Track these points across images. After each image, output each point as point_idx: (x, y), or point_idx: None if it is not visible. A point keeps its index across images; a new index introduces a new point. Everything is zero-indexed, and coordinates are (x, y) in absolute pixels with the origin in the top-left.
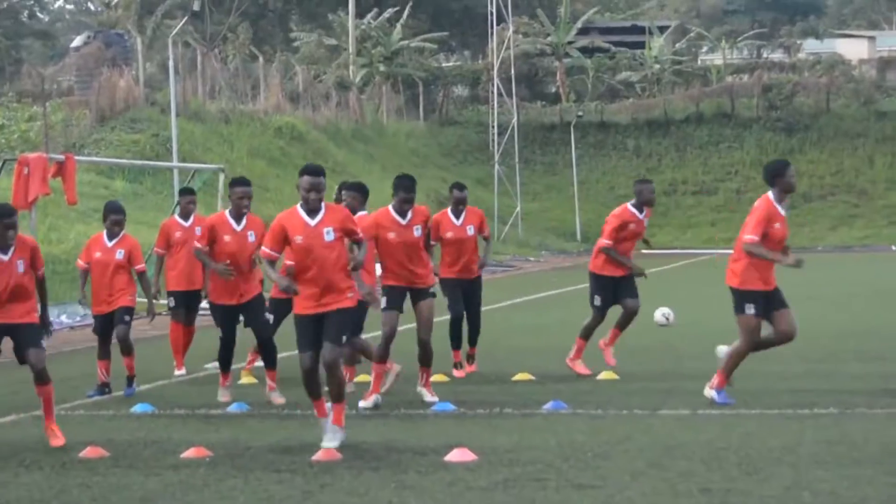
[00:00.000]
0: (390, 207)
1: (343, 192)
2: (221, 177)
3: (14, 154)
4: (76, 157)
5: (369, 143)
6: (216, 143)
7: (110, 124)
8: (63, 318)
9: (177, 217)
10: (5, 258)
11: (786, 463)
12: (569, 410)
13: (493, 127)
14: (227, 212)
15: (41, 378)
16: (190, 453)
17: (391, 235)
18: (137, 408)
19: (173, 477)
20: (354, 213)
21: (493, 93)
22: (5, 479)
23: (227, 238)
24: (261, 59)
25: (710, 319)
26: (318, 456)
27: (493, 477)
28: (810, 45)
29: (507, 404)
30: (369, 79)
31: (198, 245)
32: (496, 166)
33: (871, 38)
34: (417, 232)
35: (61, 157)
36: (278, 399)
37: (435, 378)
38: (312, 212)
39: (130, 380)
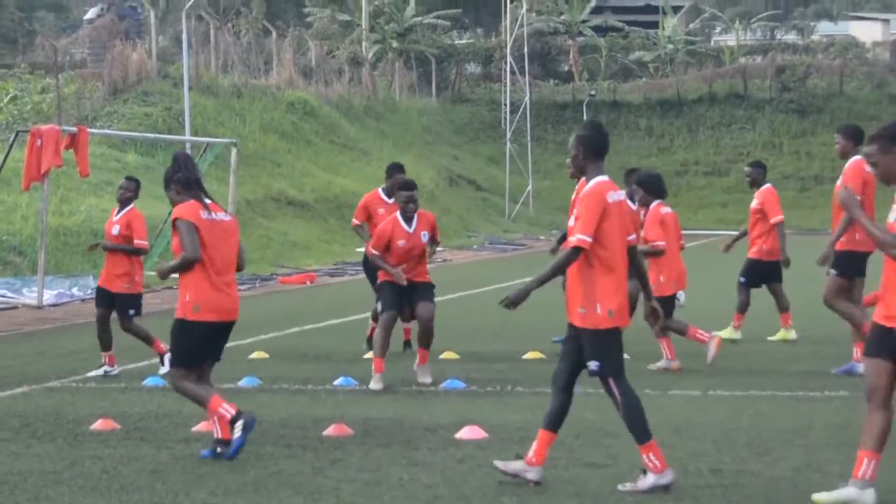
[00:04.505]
0: None
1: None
2: (234, 151)
3: (27, 126)
4: (89, 130)
5: (381, 119)
6: (228, 117)
7: (123, 97)
8: (74, 290)
9: (381, 192)
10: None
11: (796, 445)
12: (579, 389)
13: (505, 105)
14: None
15: None
16: (201, 427)
17: None
18: (149, 381)
19: (184, 450)
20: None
21: (505, 71)
22: (17, 450)
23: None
24: (274, 33)
25: (721, 300)
26: (328, 431)
27: (503, 454)
28: (824, 28)
29: (517, 382)
30: (382, 55)
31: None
32: (508, 144)
33: (885, 21)
34: None
35: (74, 129)
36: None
37: (445, 356)
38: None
39: None
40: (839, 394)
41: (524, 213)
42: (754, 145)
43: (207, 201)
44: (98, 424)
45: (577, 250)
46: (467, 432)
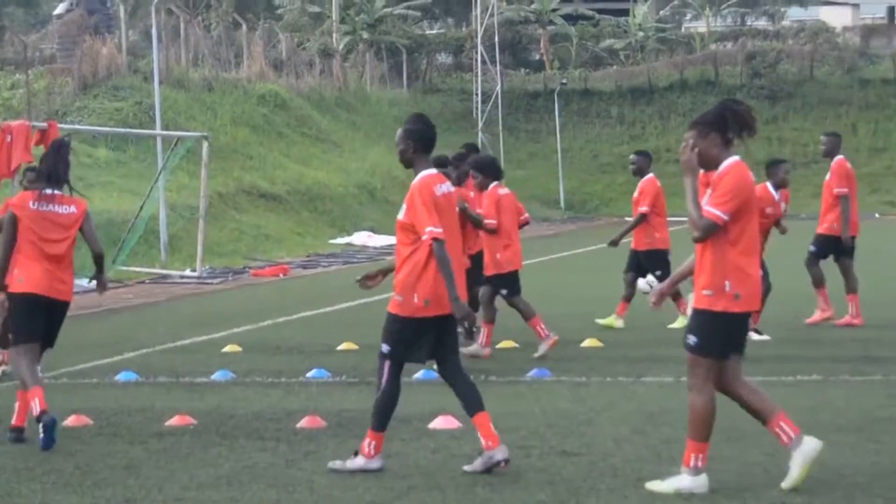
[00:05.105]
0: None
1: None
2: (205, 144)
3: None
4: (59, 125)
5: (352, 110)
6: (199, 110)
7: (93, 92)
8: None
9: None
10: None
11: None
12: (552, 378)
13: (476, 95)
14: None
15: None
16: (174, 421)
17: None
18: (121, 376)
19: (157, 445)
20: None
21: (476, 60)
22: None
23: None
24: (244, 26)
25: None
26: (302, 423)
27: (477, 444)
28: (794, 13)
29: (491, 372)
30: (353, 46)
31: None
32: (480, 134)
33: (855, 6)
34: None
35: (44, 124)
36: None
37: None
38: None
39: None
40: (811, 378)
41: None
42: None
43: (48, 191)
44: (71, 420)
45: (439, 243)
46: (441, 422)
